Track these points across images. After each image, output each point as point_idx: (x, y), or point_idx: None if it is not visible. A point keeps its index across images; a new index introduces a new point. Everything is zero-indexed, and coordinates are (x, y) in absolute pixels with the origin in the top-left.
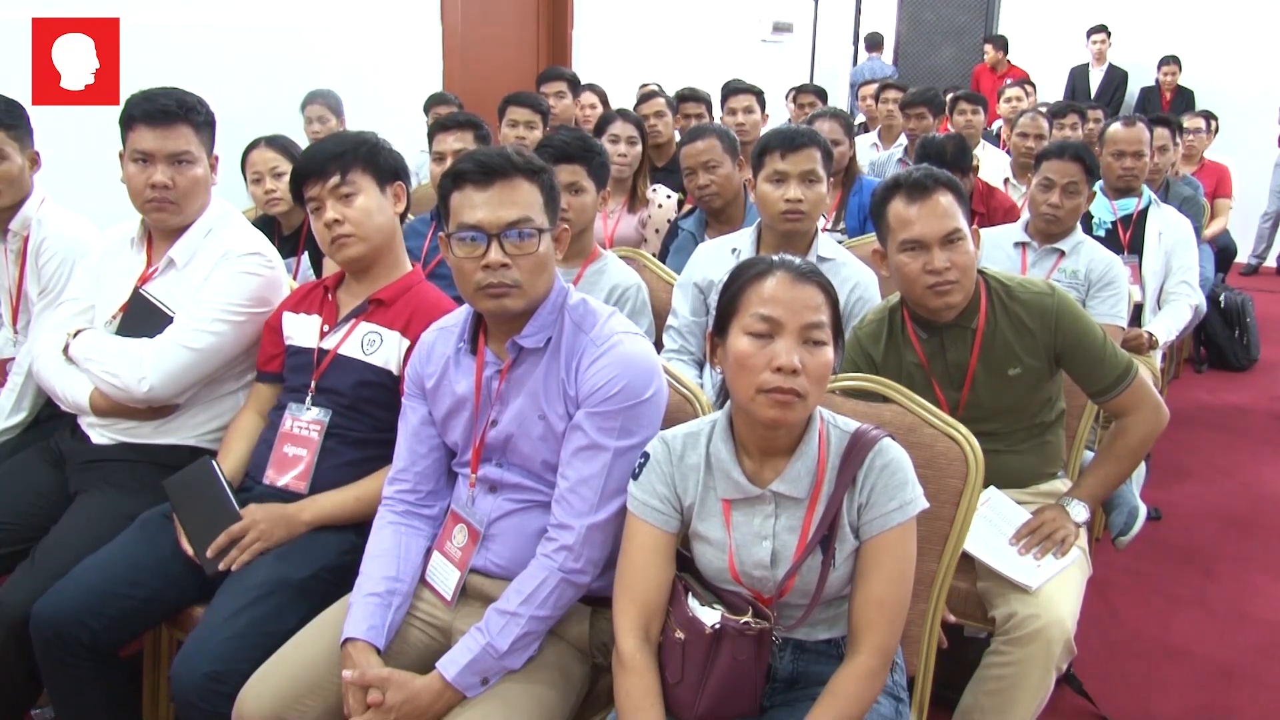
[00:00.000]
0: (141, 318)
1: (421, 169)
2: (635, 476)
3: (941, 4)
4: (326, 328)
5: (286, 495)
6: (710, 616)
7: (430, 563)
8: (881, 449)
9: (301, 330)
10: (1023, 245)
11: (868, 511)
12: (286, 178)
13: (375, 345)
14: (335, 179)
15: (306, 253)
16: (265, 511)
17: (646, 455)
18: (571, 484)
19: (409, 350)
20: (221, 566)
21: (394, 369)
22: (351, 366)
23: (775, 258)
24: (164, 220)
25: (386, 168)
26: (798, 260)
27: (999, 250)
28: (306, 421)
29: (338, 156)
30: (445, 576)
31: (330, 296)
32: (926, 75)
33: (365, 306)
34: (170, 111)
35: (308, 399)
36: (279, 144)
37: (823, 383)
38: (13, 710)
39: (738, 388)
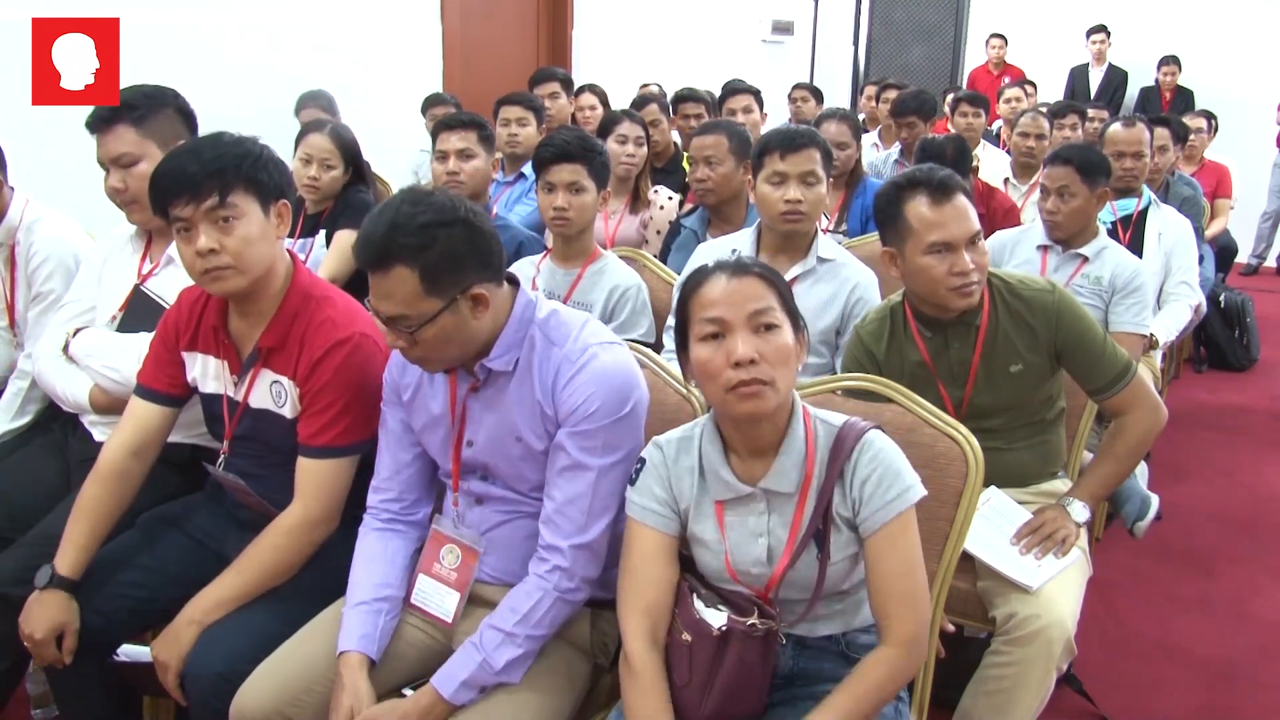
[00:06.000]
0: (142, 315)
1: (422, 168)
2: (633, 482)
3: (912, 3)
4: (235, 378)
5: None
6: (716, 618)
7: (416, 587)
8: (867, 443)
9: (206, 374)
10: (1044, 249)
11: (864, 508)
12: (335, 172)
13: (283, 397)
14: (212, 200)
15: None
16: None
17: (643, 460)
18: (558, 504)
19: (302, 395)
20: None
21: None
22: (271, 419)
23: (711, 263)
24: (138, 221)
25: (271, 185)
26: (734, 258)
27: (1021, 251)
28: (231, 480)
29: (217, 174)
30: (441, 600)
31: (224, 337)
32: (898, 74)
33: (258, 355)
34: (103, 116)
35: (220, 461)
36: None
37: (786, 365)
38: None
39: (709, 394)
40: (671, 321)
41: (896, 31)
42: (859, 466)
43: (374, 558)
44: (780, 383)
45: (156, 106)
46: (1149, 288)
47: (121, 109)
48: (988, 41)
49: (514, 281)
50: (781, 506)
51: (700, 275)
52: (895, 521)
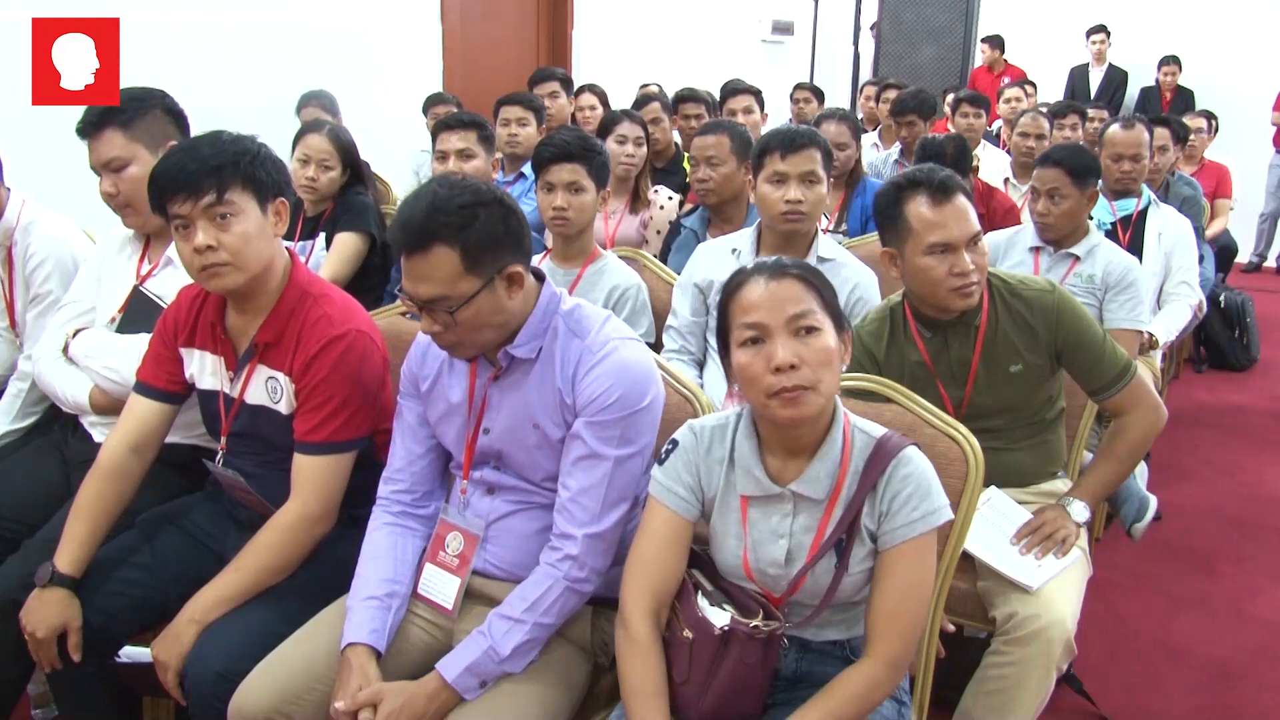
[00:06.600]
0: (141, 315)
1: (422, 168)
2: (661, 462)
3: (922, 4)
4: (231, 374)
5: None
6: (719, 618)
7: (423, 576)
8: (904, 458)
9: (203, 370)
10: (1036, 250)
11: (888, 521)
12: (333, 173)
13: (279, 393)
14: (210, 197)
15: (322, 234)
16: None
17: (675, 442)
18: (573, 493)
19: (297, 391)
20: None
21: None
22: (267, 415)
23: (751, 265)
24: (133, 225)
25: (269, 182)
26: (773, 260)
27: (1013, 253)
28: (229, 478)
29: (214, 171)
30: (443, 586)
31: (222, 333)
32: (908, 74)
33: (254, 351)
34: (91, 121)
35: (219, 457)
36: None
37: (828, 367)
38: (6, 688)
39: (750, 398)
40: (672, 321)
41: (906, 32)
42: (893, 480)
43: (382, 553)
44: (824, 385)
45: (144, 108)
46: (1142, 283)
47: (109, 113)
48: (981, 45)
49: (540, 276)
50: (808, 511)
51: (739, 278)
52: (914, 541)
